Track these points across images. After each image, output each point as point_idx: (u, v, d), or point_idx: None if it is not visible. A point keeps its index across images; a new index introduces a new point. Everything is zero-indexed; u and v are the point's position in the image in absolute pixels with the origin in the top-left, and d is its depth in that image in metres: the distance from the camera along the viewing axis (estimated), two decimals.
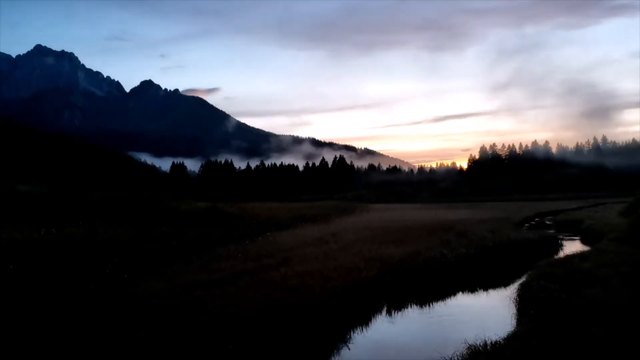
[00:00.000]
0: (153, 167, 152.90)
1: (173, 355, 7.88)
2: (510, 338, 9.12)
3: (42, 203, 25.92)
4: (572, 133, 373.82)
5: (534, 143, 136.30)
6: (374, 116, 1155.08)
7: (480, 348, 8.70)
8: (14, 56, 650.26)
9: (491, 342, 8.84)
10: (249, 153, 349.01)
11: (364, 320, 12.03)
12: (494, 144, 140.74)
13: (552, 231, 32.41)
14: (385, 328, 12.05)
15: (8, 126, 77.05)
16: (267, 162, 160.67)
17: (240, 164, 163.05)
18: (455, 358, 8.70)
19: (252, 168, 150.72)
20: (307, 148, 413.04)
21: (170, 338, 8.51)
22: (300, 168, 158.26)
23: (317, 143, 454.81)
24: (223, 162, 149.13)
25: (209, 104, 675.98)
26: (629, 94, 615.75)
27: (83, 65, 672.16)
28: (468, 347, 8.87)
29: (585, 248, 22.86)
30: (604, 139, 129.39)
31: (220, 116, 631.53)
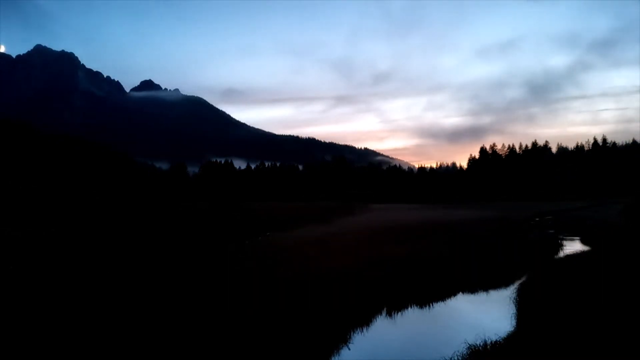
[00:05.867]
0: (153, 166, 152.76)
1: None
2: (510, 338, 9.12)
3: (42, 202, 25.91)
4: None
5: (534, 143, 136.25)
6: None
7: (480, 348, 8.71)
8: (14, 56, 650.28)
9: (491, 342, 8.84)
10: (250, 153, 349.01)
11: (365, 321, 12.01)
12: (494, 144, 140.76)
13: (552, 231, 32.40)
14: (386, 328, 12.03)
15: (8, 126, 76.90)
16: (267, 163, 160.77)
17: (240, 163, 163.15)
18: (455, 358, 8.70)
19: (252, 168, 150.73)
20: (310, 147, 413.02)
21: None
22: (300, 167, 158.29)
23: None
24: (223, 162, 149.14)
25: (209, 103, 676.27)
26: None
27: (83, 65, 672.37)
28: (468, 347, 8.87)
29: (586, 248, 22.87)
30: (604, 138, 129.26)
31: (221, 116, 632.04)
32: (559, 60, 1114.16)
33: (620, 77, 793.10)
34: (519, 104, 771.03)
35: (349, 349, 10.15)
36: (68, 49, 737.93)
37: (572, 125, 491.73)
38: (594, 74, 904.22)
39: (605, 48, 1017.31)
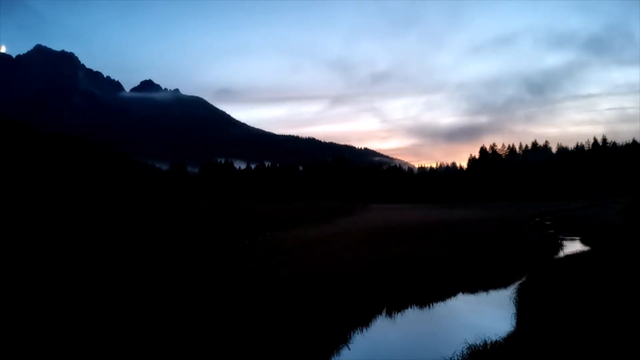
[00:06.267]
0: (153, 166, 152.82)
1: None
2: (510, 338, 9.13)
3: (42, 202, 25.92)
4: None
5: (534, 143, 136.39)
6: None
7: (480, 348, 8.71)
8: (14, 56, 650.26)
9: (491, 342, 8.84)
10: (250, 153, 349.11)
11: (365, 321, 12.01)
12: (494, 144, 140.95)
13: (552, 231, 32.40)
14: (386, 328, 12.03)
15: (8, 126, 76.95)
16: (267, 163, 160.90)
17: (240, 163, 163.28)
18: (455, 358, 8.70)
19: (252, 168, 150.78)
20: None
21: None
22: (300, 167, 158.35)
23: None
24: (223, 162, 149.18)
25: (208, 103, 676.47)
26: None
27: (83, 65, 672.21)
28: (468, 347, 8.87)
29: (586, 248, 22.86)
30: (604, 138, 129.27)
31: (221, 116, 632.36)
32: (557, 58, 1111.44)
33: (620, 76, 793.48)
34: (517, 102, 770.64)
35: (349, 349, 10.15)
36: (68, 49, 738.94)
37: (571, 124, 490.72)
38: (593, 73, 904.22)
39: (604, 46, 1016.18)
